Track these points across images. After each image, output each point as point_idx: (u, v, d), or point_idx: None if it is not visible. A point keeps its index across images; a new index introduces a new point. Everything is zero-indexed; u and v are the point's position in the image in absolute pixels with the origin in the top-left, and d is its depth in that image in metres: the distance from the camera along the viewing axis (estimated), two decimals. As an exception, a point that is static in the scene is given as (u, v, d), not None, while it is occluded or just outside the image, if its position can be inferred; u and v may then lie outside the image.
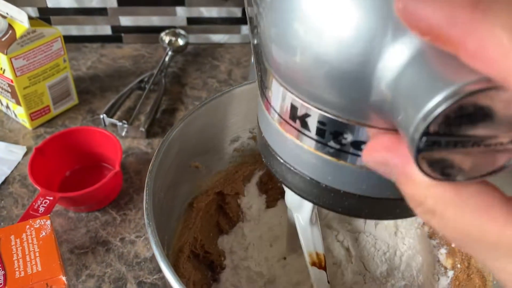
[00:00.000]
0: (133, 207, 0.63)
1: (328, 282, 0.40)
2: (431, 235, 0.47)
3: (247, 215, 0.48)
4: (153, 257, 0.57)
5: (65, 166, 0.65)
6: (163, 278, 0.55)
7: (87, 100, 0.78)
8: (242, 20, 0.85)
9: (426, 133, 0.18)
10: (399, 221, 0.46)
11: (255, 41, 0.34)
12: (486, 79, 0.17)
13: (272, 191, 0.50)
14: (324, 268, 0.39)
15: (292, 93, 0.25)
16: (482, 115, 0.18)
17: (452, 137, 0.18)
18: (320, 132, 0.25)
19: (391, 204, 0.27)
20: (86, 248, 0.58)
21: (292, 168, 0.28)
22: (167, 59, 0.81)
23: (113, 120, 0.71)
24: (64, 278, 0.39)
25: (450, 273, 0.44)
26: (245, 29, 0.87)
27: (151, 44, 0.88)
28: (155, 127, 0.73)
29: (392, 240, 0.45)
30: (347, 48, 0.22)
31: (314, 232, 0.39)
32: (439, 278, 0.44)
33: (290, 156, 0.28)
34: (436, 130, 0.18)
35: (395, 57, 0.20)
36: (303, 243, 0.39)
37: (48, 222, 0.43)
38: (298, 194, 0.29)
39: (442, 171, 0.20)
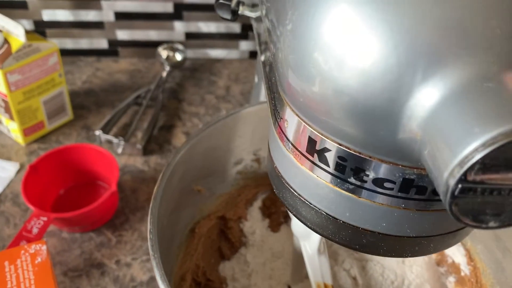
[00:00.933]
0: (129, 227, 0.61)
1: None
2: (439, 262, 0.46)
3: (250, 240, 0.47)
4: (149, 281, 0.55)
5: (59, 184, 0.63)
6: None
7: (82, 116, 0.76)
8: (241, 36, 0.85)
9: (461, 180, 0.17)
10: (406, 249, 0.45)
11: (263, 58, 0.33)
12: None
13: (276, 215, 0.48)
14: None
15: (309, 125, 0.24)
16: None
17: (488, 185, 0.17)
18: (339, 168, 0.24)
19: (410, 242, 0.26)
20: (80, 270, 0.56)
21: (307, 202, 0.27)
22: (164, 74, 0.80)
23: (109, 137, 0.69)
24: (60, 308, 0.37)
25: (459, 302, 0.43)
26: (244, 44, 0.86)
27: (148, 59, 0.86)
28: (152, 144, 0.71)
29: (400, 269, 0.44)
30: (372, 81, 0.20)
31: (322, 262, 0.38)
32: (447, 307, 0.43)
33: (306, 190, 0.27)
34: (472, 178, 0.17)
35: (427, 96, 0.19)
36: (310, 273, 0.38)
37: (44, 247, 0.41)
38: (313, 230, 0.28)
39: (475, 218, 0.19)
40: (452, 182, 0.17)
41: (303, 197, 0.27)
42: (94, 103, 0.78)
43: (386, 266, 0.44)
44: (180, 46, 0.83)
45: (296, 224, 0.38)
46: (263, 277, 0.44)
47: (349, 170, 0.24)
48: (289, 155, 0.27)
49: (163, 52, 0.83)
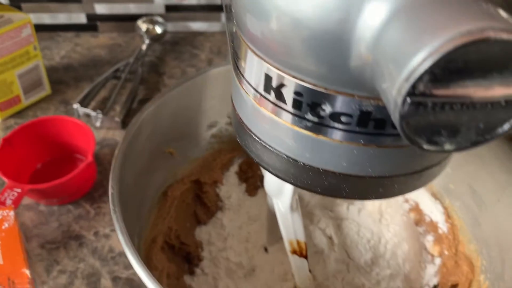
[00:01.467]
0: (107, 199, 0.60)
1: (310, 271, 0.38)
2: (417, 222, 0.45)
3: (226, 204, 0.46)
4: (128, 251, 0.54)
5: (36, 158, 0.62)
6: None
7: (61, 91, 0.74)
8: (223, 8, 0.83)
9: (410, 93, 0.16)
10: (383, 207, 0.45)
11: (231, 29, 0.31)
12: (477, 30, 0.15)
13: (253, 179, 0.48)
14: (305, 257, 0.37)
15: (266, 61, 0.23)
16: (472, 70, 0.16)
17: (439, 98, 0.16)
18: (296, 104, 0.23)
19: (373, 183, 0.25)
20: (58, 242, 0.55)
21: (268, 147, 0.26)
22: (144, 47, 0.79)
23: (87, 110, 0.68)
24: (27, 272, 0.36)
25: (438, 261, 0.42)
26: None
27: (128, 33, 0.85)
28: (131, 117, 0.70)
29: (377, 227, 0.43)
30: (323, 3, 0.19)
31: (295, 219, 0.37)
32: (426, 266, 0.43)
33: (266, 134, 0.26)
34: (421, 91, 0.16)
35: (375, 14, 0.18)
36: (283, 231, 0.37)
37: (12, 213, 0.40)
38: (275, 175, 0.27)
39: (429, 139, 0.18)
40: (400, 98, 0.17)
41: (263, 141, 0.26)
42: (73, 78, 0.77)
43: (362, 224, 0.43)
44: (160, 19, 0.82)
45: (268, 182, 0.37)
46: (240, 240, 0.44)
47: (305, 106, 0.23)
48: (248, 98, 0.26)
49: (143, 25, 0.81)
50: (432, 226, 0.44)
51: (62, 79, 0.76)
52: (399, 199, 0.47)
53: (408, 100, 0.16)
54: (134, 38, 0.84)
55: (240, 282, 0.41)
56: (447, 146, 0.18)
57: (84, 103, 0.69)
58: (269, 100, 0.24)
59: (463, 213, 0.42)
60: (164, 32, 0.82)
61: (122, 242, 0.28)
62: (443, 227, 0.43)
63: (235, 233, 0.44)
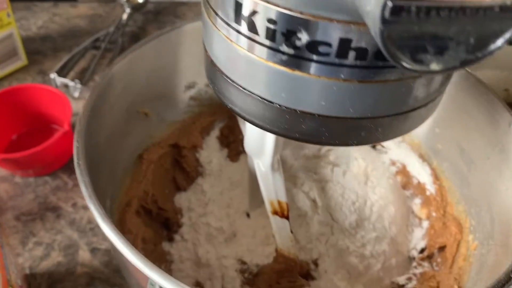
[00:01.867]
0: (86, 170, 0.58)
1: (292, 232, 0.36)
2: (404, 185, 0.44)
3: (207, 170, 0.44)
4: (108, 222, 0.52)
5: (10, 129, 0.60)
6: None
7: (38, 61, 0.72)
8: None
9: (391, -4, 0.14)
10: (369, 170, 0.43)
11: None
12: None
13: (234, 144, 0.46)
14: (287, 217, 0.35)
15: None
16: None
17: (424, 1, 0.14)
18: (270, 33, 0.21)
19: (355, 125, 0.23)
20: (34, 214, 0.53)
21: (241, 89, 0.24)
22: (124, 17, 0.76)
23: (65, 80, 0.65)
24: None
25: (425, 224, 0.41)
26: (209, -15, 0.81)
27: (109, 3, 0.82)
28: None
29: (362, 190, 0.42)
30: None
31: (276, 179, 0.35)
32: (413, 230, 0.41)
33: (239, 74, 0.24)
34: (403, -8, 0.14)
35: None
36: (263, 191, 0.35)
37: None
38: (250, 121, 0.25)
39: (414, 56, 0.16)
40: (380, 3, 0.14)
41: (236, 83, 0.24)
42: (51, 48, 0.74)
43: (347, 186, 0.42)
44: (141, -12, 0.79)
45: (248, 141, 0.35)
46: (221, 206, 0.42)
47: (280, 35, 0.21)
48: (219, 35, 0.24)
49: (123, -6, 0.78)
50: (420, 189, 0.42)
51: (39, 49, 0.73)
52: (386, 161, 0.45)
53: (389, 3, 0.14)
54: (115, 8, 0.81)
55: (221, 247, 0.39)
56: (434, 66, 0.16)
57: (62, 73, 0.67)
58: (240, 33, 0.22)
59: (452, 174, 0.40)
60: (146, 1, 0.79)
61: (85, 195, 0.26)
62: (430, 188, 0.42)
63: (216, 198, 0.43)
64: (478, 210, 0.36)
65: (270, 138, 0.33)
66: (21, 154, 0.52)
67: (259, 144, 0.34)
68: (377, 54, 0.20)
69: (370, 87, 0.21)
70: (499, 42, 0.16)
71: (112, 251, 0.47)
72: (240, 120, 0.38)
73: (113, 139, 0.36)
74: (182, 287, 0.24)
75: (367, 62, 0.20)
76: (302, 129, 0.24)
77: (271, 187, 0.35)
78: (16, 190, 0.55)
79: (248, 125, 0.33)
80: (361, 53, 0.20)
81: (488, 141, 0.36)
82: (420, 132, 0.43)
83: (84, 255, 0.50)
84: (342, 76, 0.21)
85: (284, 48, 0.21)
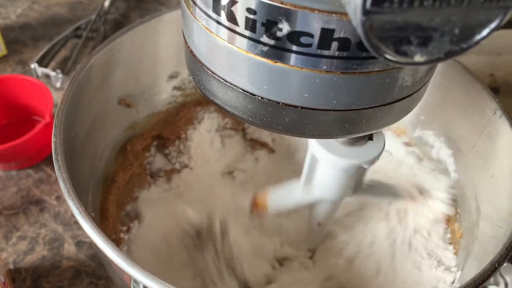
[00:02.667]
0: (70, 162, 0.57)
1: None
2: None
3: (192, 161, 0.44)
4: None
5: (-9, 121, 0.58)
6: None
7: (17, 51, 0.70)
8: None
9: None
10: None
11: None
12: None
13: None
14: None
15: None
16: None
17: (407, -10, 0.14)
18: (250, 24, 0.20)
19: (338, 117, 0.23)
20: (17, 208, 0.52)
21: (222, 81, 0.23)
22: (106, 4, 0.74)
23: (46, 70, 0.64)
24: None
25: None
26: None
27: (90, -10, 0.79)
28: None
29: None
30: None
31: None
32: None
33: (220, 66, 0.23)
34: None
35: None
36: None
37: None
38: (231, 114, 0.24)
39: (397, 48, 0.15)
40: (360, -7, 0.14)
41: (217, 75, 0.23)
42: (31, 37, 0.72)
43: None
44: (123, -26, 0.77)
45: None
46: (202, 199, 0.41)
47: (260, 25, 0.20)
48: (198, 25, 0.23)
49: (105, -20, 0.76)
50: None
51: (19, 38, 0.72)
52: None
53: (370, -6, 0.14)
54: (96, -6, 0.79)
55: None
56: (418, 57, 0.16)
57: (42, 63, 0.65)
58: (220, 24, 0.21)
59: (437, 161, 0.40)
60: (128, -13, 0.77)
61: (64, 192, 0.25)
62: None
63: (200, 190, 0.42)
64: (464, 199, 0.36)
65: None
66: (2, 146, 0.51)
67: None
68: (360, 44, 0.19)
69: (353, 79, 0.21)
70: (485, 32, 0.15)
71: (94, 248, 0.47)
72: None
73: (93, 132, 0.35)
74: (166, 286, 0.23)
75: (350, 53, 0.20)
76: (285, 121, 0.23)
77: None
78: (-3, 184, 0.54)
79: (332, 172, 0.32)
80: (343, 43, 0.19)
81: (474, 128, 0.36)
82: (406, 119, 0.43)
83: (69, 248, 0.49)
84: (325, 67, 0.20)
85: (264, 39, 0.20)
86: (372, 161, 0.31)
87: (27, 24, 0.74)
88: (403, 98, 0.23)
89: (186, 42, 0.25)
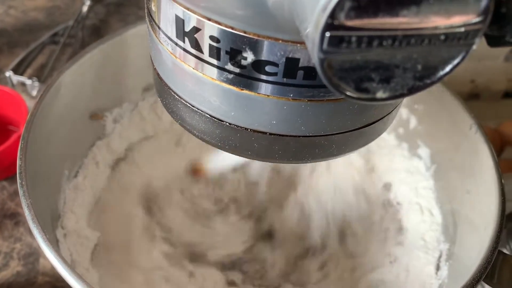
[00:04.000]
0: (46, 174, 0.56)
1: None
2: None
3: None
4: (69, 228, 0.51)
5: (-36, 132, 0.57)
6: (81, 250, 0.49)
7: (-8, 58, 0.68)
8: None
9: (329, 26, 0.13)
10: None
11: None
12: None
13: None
14: None
15: (175, 0, 0.20)
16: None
17: (364, 31, 0.13)
18: (214, 52, 0.20)
19: (308, 143, 0.22)
20: (-9, 222, 0.51)
21: (189, 106, 0.23)
22: (85, 9, 0.73)
23: (22, 78, 0.62)
24: None
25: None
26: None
27: (68, -6, 0.78)
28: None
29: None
30: None
31: None
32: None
33: (186, 90, 0.23)
34: (342, 22, 0.13)
35: None
36: None
37: None
38: (200, 138, 0.24)
39: (358, 86, 0.15)
40: (318, 30, 0.13)
41: (184, 100, 0.23)
42: (6, 43, 0.70)
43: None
44: (101, -22, 0.76)
45: None
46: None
47: (224, 53, 0.19)
48: (163, 49, 0.22)
49: (83, -15, 0.75)
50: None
51: (-6, 45, 0.70)
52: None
53: (327, 34, 0.13)
54: (74, 0, 0.78)
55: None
56: (380, 94, 0.15)
57: (18, 70, 0.64)
58: (185, 50, 0.21)
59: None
60: (107, -8, 0.76)
61: (28, 219, 0.25)
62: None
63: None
64: (443, 212, 0.36)
65: None
66: (-25, 159, 0.49)
67: None
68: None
69: (321, 106, 0.20)
70: (448, 68, 0.15)
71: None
72: None
73: (63, 149, 0.34)
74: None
75: (316, 81, 0.19)
76: (254, 147, 0.23)
77: None
78: (-29, 197, 0.53)
79: None
80: (309, 72, 0.19)
81: (451, 142, 0.36)
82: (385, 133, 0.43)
83: (45, 263, 0.48)
84: (291, 95, 0.20)
85: (229, 66, 0.20)
86: None
87: (3, 30, 0.73)
88: (374, 122, 0.23)
89: (153, 64, 0.25)
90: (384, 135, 0.43)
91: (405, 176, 0.40)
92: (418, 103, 0.38)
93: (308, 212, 0.42)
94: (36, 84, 0.62)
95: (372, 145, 0.44)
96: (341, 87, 0.15)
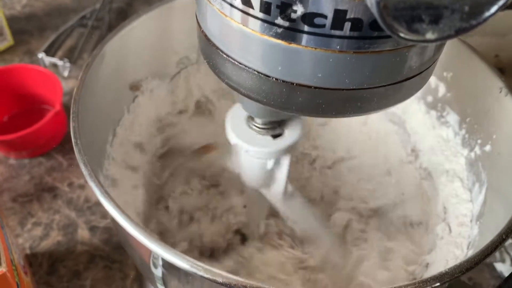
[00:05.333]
0: (80, 150, 0.58)
1: None
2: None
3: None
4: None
5: (1, 111, 0.59)
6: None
7: (24, 41, 0.70)
8: None
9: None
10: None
11: None
12: None
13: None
14: None
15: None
16: None
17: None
18: (265, 6, 0.21)
19: (351, 96, 0.23)
20: (31, 195, 0.54)
21: (237, 63, 0.24)
22: (111, -8, 0.74)
23: (54, 59, 0.64)
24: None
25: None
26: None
27: (94, -21, 0.80)
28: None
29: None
30: None
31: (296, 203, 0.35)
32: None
33: (234, 49, 0.24)
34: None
35: None
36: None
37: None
38: (246, 95, 0.25)
39: (410, 26, 0.16)
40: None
41: (231, 58, 0.24)
42: (37, 27, 0.73)
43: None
44: (126, -38, 0.77)
45: (248, 175, 0.35)
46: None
47: (275, 8, 0.21)
48: (213, 9, 0.23)
49: (109, -31, 0.76)
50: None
51: (25, 28, 0.72)
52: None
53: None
54: (100, -17, 0.79)
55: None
56: (429, 35, 0.16)
57: (50, 52, 0.66)
58: (235, 7, 0.22)
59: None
60: (132, -25, 0.77)
61: (85, 174, 0.26)
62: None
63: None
64: (472, 178, 0.37)
65: (284, 165, 0.33)
66: (16, 135, 0.52)
67: (264, 175, 0.34)
68: (372, 24, 0.20)
69: (365, 58, 0.22)
70: (493, 9, 0.16)
71: (114, 228, 0.48)
72: (230, 156, 0.36)
73: (105, 118, 0.36)
74: (187, 260, 0.24)
75: (362, 32, 0.20)
76: (298, 101, 0.24)
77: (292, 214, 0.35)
78: (11, 172, 0.55)
79: (245, 158, 0.33)
80: (356, 24, 0.20)
81: (481, 107, 0.37)
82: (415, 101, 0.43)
83: (83, 233, 0.50)
84: (338, 47, 0.21)
85: (279, 21, 0.21)
86: (283, 152, 0.32)
87: (33, 14, 0.75)
88: (413, 77, 0.24)
89: (200, 26, 0.26)
90: (414, 103, 0.44)
91: (434, 143, 0.41)
92: (448, 70, 0.39)
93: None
94: (68, 65, 0.64)
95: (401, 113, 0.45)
96: (394, 28, 0.16)
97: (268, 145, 0.32)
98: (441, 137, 0.41)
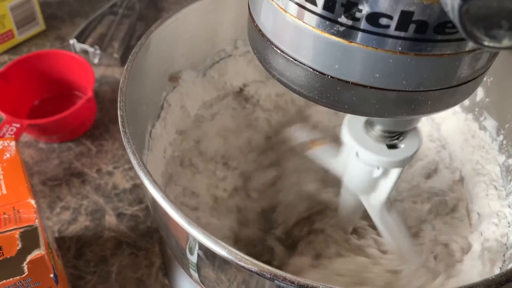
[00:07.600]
0: (109, 137, 0.58)
1: None
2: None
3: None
4: (132, 188, 0.53)
5: (33, 94, 0.60)
6: (144, 209, 0.52)
7: (55, 26, 0.71)
8: None
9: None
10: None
11: None
12: None
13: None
14: None
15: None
16: None
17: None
18: (329, 4, 0.21)
19: (406, 98, 0.23)
20: (60, 179, 0.54)
21: (292, 60, 0.24)
22: (142, -19, 0.74)
23: (85, 46, 0.65)
24: (33, 202, 0.35)
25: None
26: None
27: (125, -33, 0.80)
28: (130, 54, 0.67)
29: None
30: None
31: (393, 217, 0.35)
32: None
33: (290, 44, 0.24)
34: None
35: None
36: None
37: (13, 143, 0.38)
38: (297, 92, 0.25)
39: (488, 31, 0.16)
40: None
41: (286, 54, 0.24)
42: (68, 13, 0.73)
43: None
44: (158, -49, 0.77)
45: (353, 178, 0.34)
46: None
47: (339, 6, 0.21)
48: (269, 3, 0.23)
49: (140, -43, 0.76)
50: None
51: (56, 14, 0.73)
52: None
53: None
54: (131, -28, 0.79)
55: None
56: (506, 42, 0.16)
57: (81, 38, 0.66)
58: (297, 4, 0.22)
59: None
60: (163, -35, 0.77)
61: (134, 163, 0.27)
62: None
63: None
64: (508, 183, 0.37)
65: (392, 178, 0.32)
66: (48, 120, 0.52)
67: (370, 182, 0.34)
68: (437, 27, 0.20)
69: (425, 60, 0.21)
70: None
71: (152, 213, 0.48)
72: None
73: (146, 108, 0.36)
74: (223, 246, 0.24)
75: (426, 35, 0.20)
76: (352, 100, 0.24)
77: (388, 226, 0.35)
78: (41, 156, 0.56)
79: (353, 161, 0.33)
80: (421, 26, 0.20)
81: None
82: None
83: (110, 220, 0.51)
84: (400, 48, 0.21)
85: (342, 19, 0.21)
86: (394, 164, 0.31)
87: (65, 0, 0.75)
88: (468, 81, 0.24)
89: (253, 21, 0.26)
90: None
91: (470, 148, 0.41)
92: (488, 75, 0.38)
93: None
94: (98, 52, 0.65)
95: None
96: (473, 33, 0.16)
97: (381, 152, 0.31)
98: (477, 143, 0.40)
